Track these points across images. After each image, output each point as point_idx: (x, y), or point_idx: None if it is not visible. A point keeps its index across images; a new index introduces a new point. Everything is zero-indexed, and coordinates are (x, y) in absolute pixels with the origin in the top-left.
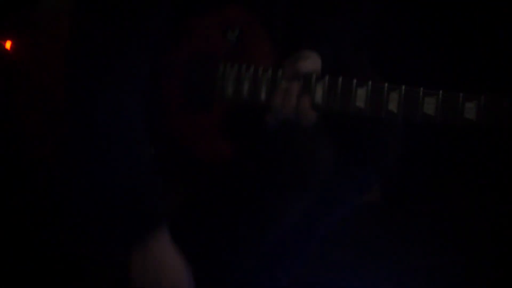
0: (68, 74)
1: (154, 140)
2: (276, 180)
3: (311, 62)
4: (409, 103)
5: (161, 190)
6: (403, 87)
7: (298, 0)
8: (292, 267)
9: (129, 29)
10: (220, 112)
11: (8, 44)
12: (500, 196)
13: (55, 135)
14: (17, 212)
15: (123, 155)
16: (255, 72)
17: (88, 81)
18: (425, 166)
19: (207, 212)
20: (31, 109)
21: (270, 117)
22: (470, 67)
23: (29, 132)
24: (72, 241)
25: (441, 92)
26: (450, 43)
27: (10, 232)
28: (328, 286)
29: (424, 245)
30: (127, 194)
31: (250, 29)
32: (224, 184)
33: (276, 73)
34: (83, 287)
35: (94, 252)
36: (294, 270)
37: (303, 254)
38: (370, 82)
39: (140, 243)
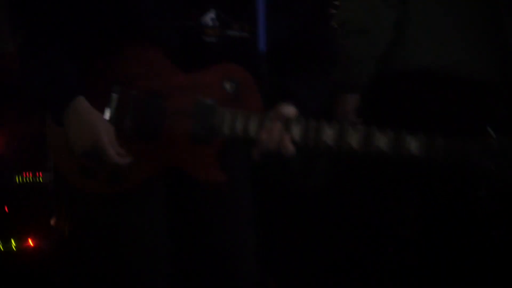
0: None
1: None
2: None
3: (290, 109)
4: (367, 140)
5: (77, 75)
6: (362, 126)
7: (276, 63)
8: None
9: None
10: (218, 145)
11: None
12: None
13: None
14: None
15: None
16: (247, 115)
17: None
18: None
19: None
20: None
21: (256, 151)
22: None
23: None
24: None
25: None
26: None
27: None
28: None
29: None
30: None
31: (245, 83)
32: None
33: (263, 116)
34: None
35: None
36: None
37: None
38: (337, 124)
39: (67, 107)
